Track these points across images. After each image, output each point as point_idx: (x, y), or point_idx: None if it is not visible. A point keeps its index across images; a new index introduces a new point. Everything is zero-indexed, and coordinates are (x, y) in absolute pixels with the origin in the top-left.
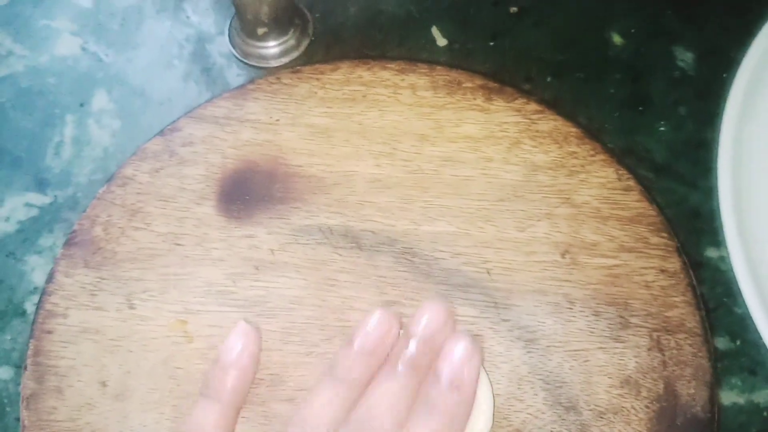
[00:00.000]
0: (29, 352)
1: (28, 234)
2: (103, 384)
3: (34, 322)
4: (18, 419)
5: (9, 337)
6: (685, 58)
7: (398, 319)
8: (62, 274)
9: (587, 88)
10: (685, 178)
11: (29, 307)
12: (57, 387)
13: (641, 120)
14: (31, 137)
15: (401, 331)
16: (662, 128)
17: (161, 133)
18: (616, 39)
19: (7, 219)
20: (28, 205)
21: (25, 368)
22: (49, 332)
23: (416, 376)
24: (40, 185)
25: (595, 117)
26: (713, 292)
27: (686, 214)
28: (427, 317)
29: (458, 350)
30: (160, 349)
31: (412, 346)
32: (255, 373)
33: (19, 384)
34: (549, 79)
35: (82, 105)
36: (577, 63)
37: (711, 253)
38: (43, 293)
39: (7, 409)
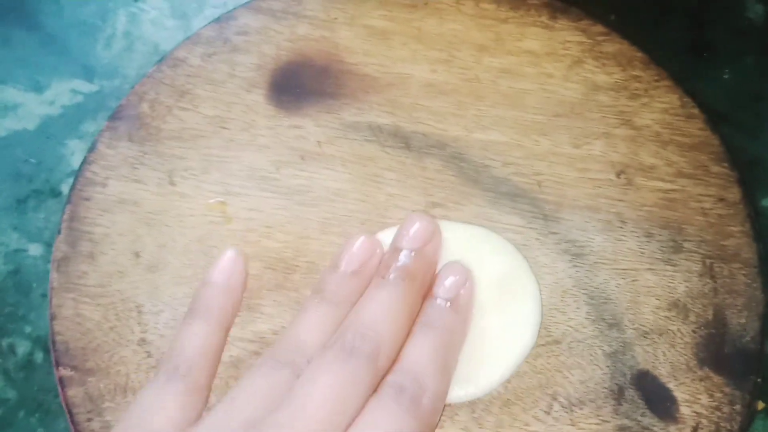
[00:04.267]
0: (65, 217)
1: (71, 119)
2: (137, 255)
3: (72, 188)
4: (44, 296)
5: (42, 216)
6: (755, 10)
7: (381, 244)
8: (105, 145)
9: (651, 30)
10: (745, 127)
11: (65, 189)
12: (90, 252)
13: (704, 66)
14: (82, 27)
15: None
16: (725, 76)
17: (217, 20)
18: None
19: (52, 103)
20: (74, 91)
21: (59, 232)
22: (87, 199)
23: (410, 288)
24: (88, 74)
25: (656, 59)
26: (766, 243)
27: (744, 163)
28: (415, 229)
29: (452, 274)
30: (196, 227)
31: (403, 256)
32: (242, 298)
33: (48, 262)
34: (613, 17)
35: (137, 1)
36: (643, 4)
37: None
38: (84, 161)
39: (34, 285)
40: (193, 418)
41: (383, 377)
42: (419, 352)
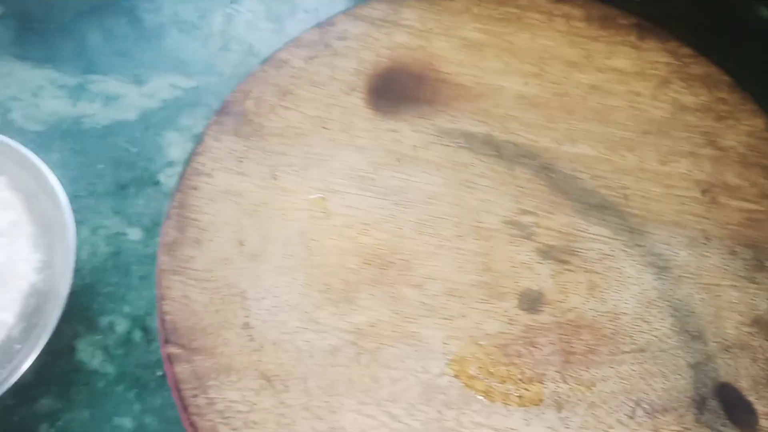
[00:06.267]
0: (174, 203)
1: (170, 112)
2: (241, 243)
3: (181, 177)
4: (143, 278)
5: (142, 202)
6: None
7: None
8: (212, 138)
9: (731, 54)
10: None
11: (163, 178)
12: (196, 239)
13: None
14: (181, 25)
15: None
16: None
17: (318, 25)
18: (764, 12)
19: (152, 96)
20: (173, 86)
21: (168, 217)
22: (195, 188)
23: None
24: (186, 70)
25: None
26: None
27: None
28: None
29: None
30: (298, 220)
31: None
32: None
33: (146, 246)
34: (694, 39)
35: (232, 2)
36: (723, 28)
37: None
38: (193, 152)
39: (134, 267)
40: None
41: None
42: None
